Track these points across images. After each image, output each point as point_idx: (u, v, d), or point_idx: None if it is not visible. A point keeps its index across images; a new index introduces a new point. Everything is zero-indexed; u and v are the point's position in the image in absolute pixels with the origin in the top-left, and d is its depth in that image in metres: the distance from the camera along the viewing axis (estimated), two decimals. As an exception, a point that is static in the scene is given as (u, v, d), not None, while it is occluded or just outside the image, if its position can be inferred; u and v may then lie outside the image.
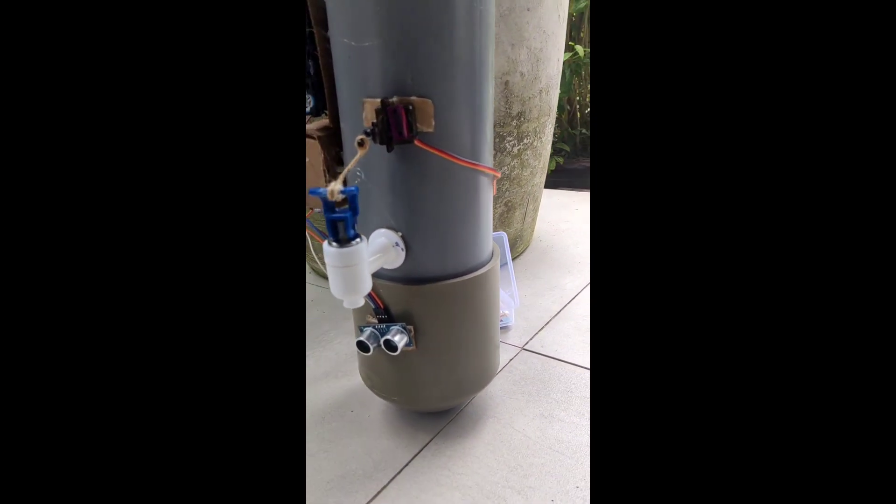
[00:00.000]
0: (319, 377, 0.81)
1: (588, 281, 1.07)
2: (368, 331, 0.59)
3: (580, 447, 0.63)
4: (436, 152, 0.51)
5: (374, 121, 0.49)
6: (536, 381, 0.76)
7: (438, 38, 0.48)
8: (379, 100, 0.48)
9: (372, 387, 0.66)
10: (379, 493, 0.59)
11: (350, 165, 0.48)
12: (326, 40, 0.53)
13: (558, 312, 0.95)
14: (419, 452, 0.64)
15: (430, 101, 0.49)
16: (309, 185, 0.59)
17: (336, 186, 0.45)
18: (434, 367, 0.61)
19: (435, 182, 0.53)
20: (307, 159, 0.58)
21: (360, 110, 0.51)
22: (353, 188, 0.44)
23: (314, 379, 0.80)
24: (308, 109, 0.57)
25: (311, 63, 0.55)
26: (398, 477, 0.61)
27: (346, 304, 0.51)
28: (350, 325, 0.96)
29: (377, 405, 0.73)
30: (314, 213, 0.56)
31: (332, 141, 0.58)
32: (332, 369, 0.82)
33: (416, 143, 0.49)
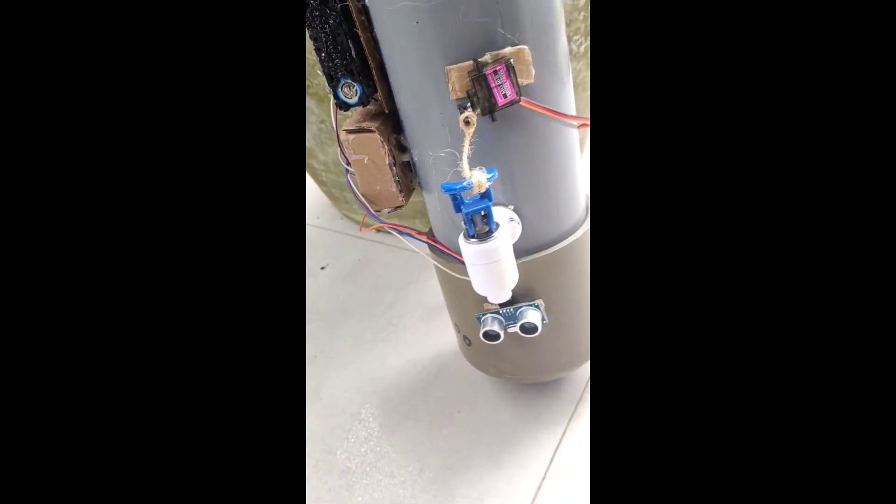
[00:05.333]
0: (404, 370, 0.74)
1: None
2: (489, 318, 0.54)
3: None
4: (543, 111, 0.44)
5: (469, 90, 0.41)
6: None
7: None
8: (471, 62, 0.41)
9: (501, 373, 0.62)
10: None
11: (467, 152, 0.41)
12: (362, 12, 0.44)
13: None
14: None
15: (525, 47, 0.41)
16: (370, 186, 0.51)
17: (481, 176, 0.38)
18: (563, 335, 0.57)
19: (540, 140, 0.46)
20: (364, 159, 0.50)
21: (435, 83, 0.43)
22: (492, 170, 0.37)
23: (399, 373, 0.73)
24: (356, 100, 0.48)
25: (351, 45, 0.45)
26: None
27: (493, 300, 0.46)
28: (419, 289, 0.83)
29: (480, 395, 0.68)
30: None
31: (389, 128, 0.50)
32: (417, 357, 0.75)
33: (522, 103, 0.42)
